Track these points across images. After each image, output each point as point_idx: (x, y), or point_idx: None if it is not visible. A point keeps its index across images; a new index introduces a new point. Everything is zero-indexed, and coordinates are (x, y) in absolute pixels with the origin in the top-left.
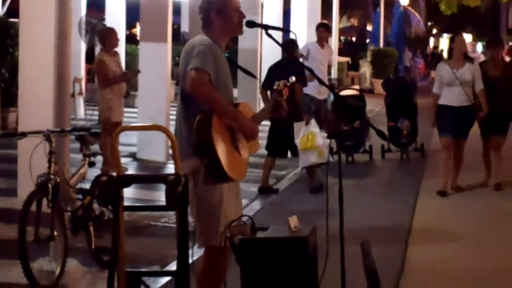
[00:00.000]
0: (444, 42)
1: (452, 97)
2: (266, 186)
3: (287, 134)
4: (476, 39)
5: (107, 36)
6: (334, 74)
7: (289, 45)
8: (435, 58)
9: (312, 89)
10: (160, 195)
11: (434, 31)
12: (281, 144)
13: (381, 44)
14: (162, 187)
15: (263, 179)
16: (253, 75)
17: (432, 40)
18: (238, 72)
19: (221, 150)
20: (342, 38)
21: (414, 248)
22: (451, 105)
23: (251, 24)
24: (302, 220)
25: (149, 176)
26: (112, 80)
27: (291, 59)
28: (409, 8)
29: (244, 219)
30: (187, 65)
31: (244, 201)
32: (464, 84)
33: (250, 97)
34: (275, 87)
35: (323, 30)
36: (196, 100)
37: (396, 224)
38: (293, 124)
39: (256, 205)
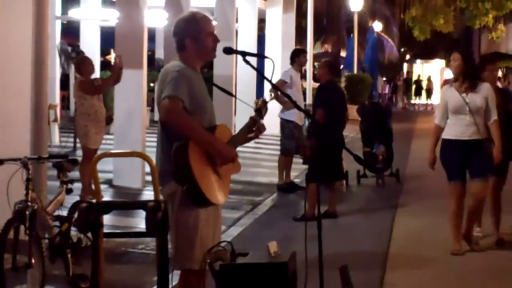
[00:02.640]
0: (417, 68)
1: (460, 128)
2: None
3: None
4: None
5: (82, 64)
6: (308, 99)
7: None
8: (406, 84)
9: (295, 115)
10: (136, 222)
11: (408, 56)
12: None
13: (355, 70)
14: (139, 213)
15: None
16: (230, 93)
17: (405, 66)
18: (213, 96)
19: (200, 175)
20: (316, 63)
21: (391, 273)
22: (460, 138)
23: (229, 51)
24: (281, 246)
25: (129, 202)
26: (98, 86)
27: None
28: (383, 34)
29: (224, 244)
30: (162, 93)
31: (223, 227)
32: (475, 112)
33: (225, 118)
34: (254, 106)
35: (305, 56)
36: (170, 127)
37: (373, 249)
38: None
39: (234, 231)
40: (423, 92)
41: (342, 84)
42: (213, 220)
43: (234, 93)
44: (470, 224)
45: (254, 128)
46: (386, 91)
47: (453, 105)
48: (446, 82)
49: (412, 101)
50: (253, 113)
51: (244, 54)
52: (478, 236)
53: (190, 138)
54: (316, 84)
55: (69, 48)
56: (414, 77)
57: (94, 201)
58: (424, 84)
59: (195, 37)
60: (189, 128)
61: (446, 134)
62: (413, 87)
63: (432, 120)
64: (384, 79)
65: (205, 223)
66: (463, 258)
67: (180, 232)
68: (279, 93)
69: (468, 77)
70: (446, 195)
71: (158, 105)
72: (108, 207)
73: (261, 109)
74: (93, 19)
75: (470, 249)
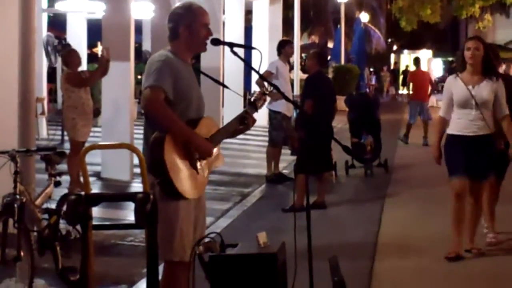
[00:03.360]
0: (404, 58)
1: (465, 123)
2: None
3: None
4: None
5: (68, 57)
6: (296, 90)
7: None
8: (393, 74)
9: (283, 106)
10: (125, 214)
11: (395, 47)
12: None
13: (342, 61)
14: (128, 205)
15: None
16: (221, 83)
17: (393, 56)
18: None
19: (173, 168)
20: (303, 55)
21: (380, 263)
22: (464, 134)
23: (216, 42)
24: (270, 237)
25: (118, 194)
26: (85, 79)
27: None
28: (370, 25)
29: (213, 235)
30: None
31: (211, 219)
32: (482, 105)
33: (213, 110)
34: (250, 98)
35: (292, 46)
36: (149, 117)
37: (362, 239)
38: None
39: (223, 222)
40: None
41: (330, 75)
42: (195, 211)
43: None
44: (472, 227)
45: (246, 121)
46: (373, 82)
47: (458, 98)
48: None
49: (400, 92)
50: (240, 105)
51: (231, 45)
52: (491, 242)
53: (168, 130)
54: (305, 76)
55: (56, 41)
56: (402, 68)
57: (82, 193)
58: None
59: (190, 26)
60: (167, 120)
61: (450, 129)
62: (401, 77)
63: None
64: (371, 69)
65: (186, 214)
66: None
67: (160, 223)
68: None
69: (487, 70)
70: (434, 184)
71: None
72: (96, 199)
73: (256, 102)
74: (79, 12)
75: (476, 251)
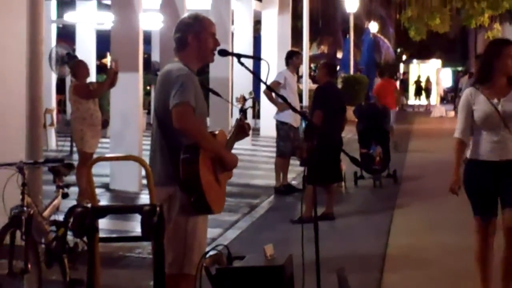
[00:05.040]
0: (414, 68)
1: (490, 146)
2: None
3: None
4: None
5: (77, 68)
6: (305, 101)
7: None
8: (403, 84)
9: (290, 116)
10: (133, 226)
11: (404, 57)
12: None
13: (351, 71)
14: (135, 217)
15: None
16: (213, 91)
17: (402, 66)
18: (210, 99)
19: (207, 186)
20: (312, 65)
21: (389, 275)
22: (490, 160)
23: (224, 53)
24: (277, 249)
25: (124, 206)
26: (93, 90)
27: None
28: (379, 35)
29: (220, 248)
30: (168, 95)
31: (219, 230)
32: (510, 123)
33: (223, 122)
34: (241, 106)
35: (299, 57)
36: (183, 134)
37: (371, 250)
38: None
39: (232, 233)
40: (423, 93)
41: (339, 85)
42: (206, 224)
43: (230, 96)
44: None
45: (244, 128)
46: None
47: (480, 115)
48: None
49: (413, 102)
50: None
51: (238, 56)
52: None
53: (200, 145)
54: (314, 86)
55: (65, 52)
56: (414, 78)
57: (89, 205)
58: (423, 84)
59: (198, 34)
60: (201, 135)
61: (473, 154)
62: (414, 87)
63: (430, 121)
64: None
65: (204, 227)
66: (461, 260)
67: (180, 238)
68: (273, 94)
69: None
70: (444, 194)
71: (160, 107)
72: (103, 211)
73: (243, 107)
74: (88, 23)
75: None
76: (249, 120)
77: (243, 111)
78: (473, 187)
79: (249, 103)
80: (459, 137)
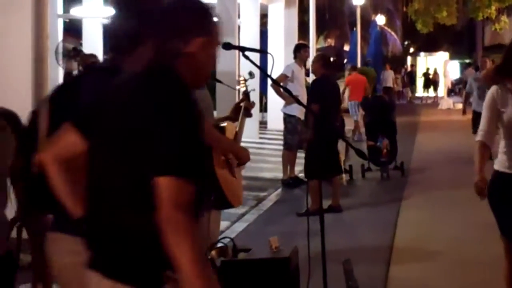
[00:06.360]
0: (421, 61)
1: None
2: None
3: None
4: (452, 57)
5: (85, 61)
6: None
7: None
8: (410, 77)
9: (297, 109)
10: None
11: (411, 49)
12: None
13: (359, 64)
14: None
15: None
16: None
17: (409, 59)
18: (216, 92)
19: (224, 182)
20: None
21: (396, 267)
22: None
23: (228, 47)
24: (284, 241)
25: None
26: None
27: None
28: (386, 28)
29: (226, 241)
30: None
31: (227, 223)
32: None
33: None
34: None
35: (307, 50)
36: None
37: (377, 243)
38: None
39: (239, 226)
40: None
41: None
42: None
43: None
44: None
45: (249, 108)
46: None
47: (510, 120)
48: None
49: (421, 94)
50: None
51: (243, 49)
52: None
53: (214, 146)
54: None
55: (71, 46)
56: (422, 70)
57: None
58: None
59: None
60: (216, 136)
61: (501, 165)
62: (422, 80)
63: (438, 113)
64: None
65: (217, 220)
66: (468, 252)
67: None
68: (280, 88)
69: None
70: (451, 187)
71: None
72: None
73: (247, 90)
74: (95, 17)
75: None
76: (256, 113)
77: (247, 94)
78: (500, 203)
79: (250, 83)
80: (482, 139)
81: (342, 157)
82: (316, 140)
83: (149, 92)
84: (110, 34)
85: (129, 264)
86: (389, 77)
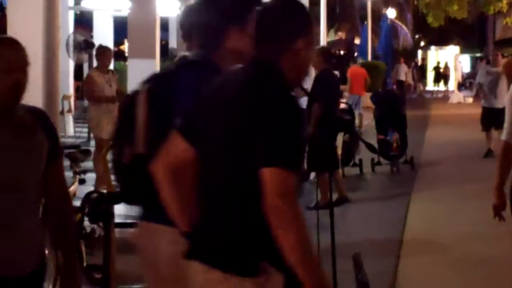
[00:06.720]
0: (432, 55)
1: None
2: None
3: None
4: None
5: (101, 55)
6: None
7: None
8: (421, 71)
9: (306, 103)
10: None
11: (422, 43)
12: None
13: (369, 57)
14: None
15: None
16: None
17: (420, 53)
18: None
19: None
20: None
21: (406, 261)
22: None
23: None
24: None
25: None
26: (97, 97)
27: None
28: (396, 21)
29: None
30: None
31: None
32: None
33: None
34: None
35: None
36: None
37: (387, 237)
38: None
39: None
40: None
41: None
42: None
43: None
44: None
45: None
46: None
47: None
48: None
49: (431, 88)
50: None
51: None
52: None
53: None
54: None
55: (82, 39)
56: (433, 64)
57: (105, 191)
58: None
59: None
60: None
61: None
62: (433, 73)
63: (448, 107)
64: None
65: None
66: (478, 247)
67: None
68: None
69: None
70: (461, 181)
71: None
72: (119, 197)
73: None
74: (105, 9)
75: None
76: None
77: None
78: None
79: None
80: (506, 139)
81: (339, 151)
82: (323, 133)
83: (257, 89)
84: (195, 29)
85: (235, 254)
86: (402, 71)
